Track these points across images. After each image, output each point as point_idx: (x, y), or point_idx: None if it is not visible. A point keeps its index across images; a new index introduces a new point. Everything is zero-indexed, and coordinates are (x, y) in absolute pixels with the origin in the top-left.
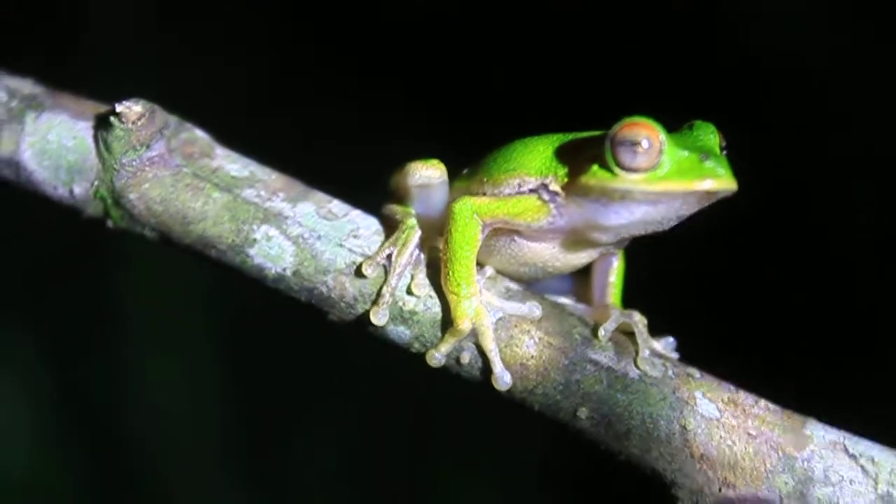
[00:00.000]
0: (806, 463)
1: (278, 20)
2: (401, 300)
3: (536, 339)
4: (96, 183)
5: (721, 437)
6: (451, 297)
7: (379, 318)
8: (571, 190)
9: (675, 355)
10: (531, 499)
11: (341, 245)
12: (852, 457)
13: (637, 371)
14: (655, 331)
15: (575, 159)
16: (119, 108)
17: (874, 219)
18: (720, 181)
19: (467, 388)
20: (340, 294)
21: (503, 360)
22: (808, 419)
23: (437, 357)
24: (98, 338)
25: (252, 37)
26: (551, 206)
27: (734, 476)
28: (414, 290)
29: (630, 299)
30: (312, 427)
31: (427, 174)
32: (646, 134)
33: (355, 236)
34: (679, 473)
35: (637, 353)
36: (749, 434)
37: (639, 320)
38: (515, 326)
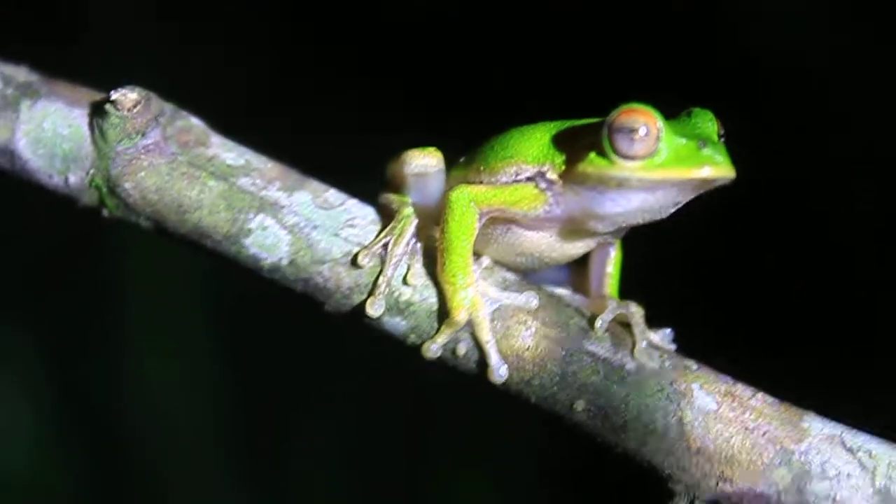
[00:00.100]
0: (803, 456)
1: (278, 20)
2: (397, 290)
3: (533, 330)
4: (92, 171)
5: (718, 429)
6: (446, 288)
7: (375, 308)
8: (568, 178)
9: (672, 347)
10: (529, 491)
11: (337, 235)
12: (850, 450)
13: (634, 362)
14: (653, 322)
15: (572, 147)
16: (114, 95)
17: (874, 207)
18: (718, 168)
19: (465, 378)
20: (336, 284)
21: (499, 351)
22: (806, 412)
23: (433, 349)
24: (97, 334)
25: (252, 36)
26: (548, 194)
27: (731, 470)
28: (410, 279)
29: (627, 290)
30: (311, 422)
31: (424, 162)
32: (643, 121)
33: (351, 226)
34: (675, 467)
35: (634, 344)
36: (746, 427)
37: (636, 311)
38: (512, 317)
